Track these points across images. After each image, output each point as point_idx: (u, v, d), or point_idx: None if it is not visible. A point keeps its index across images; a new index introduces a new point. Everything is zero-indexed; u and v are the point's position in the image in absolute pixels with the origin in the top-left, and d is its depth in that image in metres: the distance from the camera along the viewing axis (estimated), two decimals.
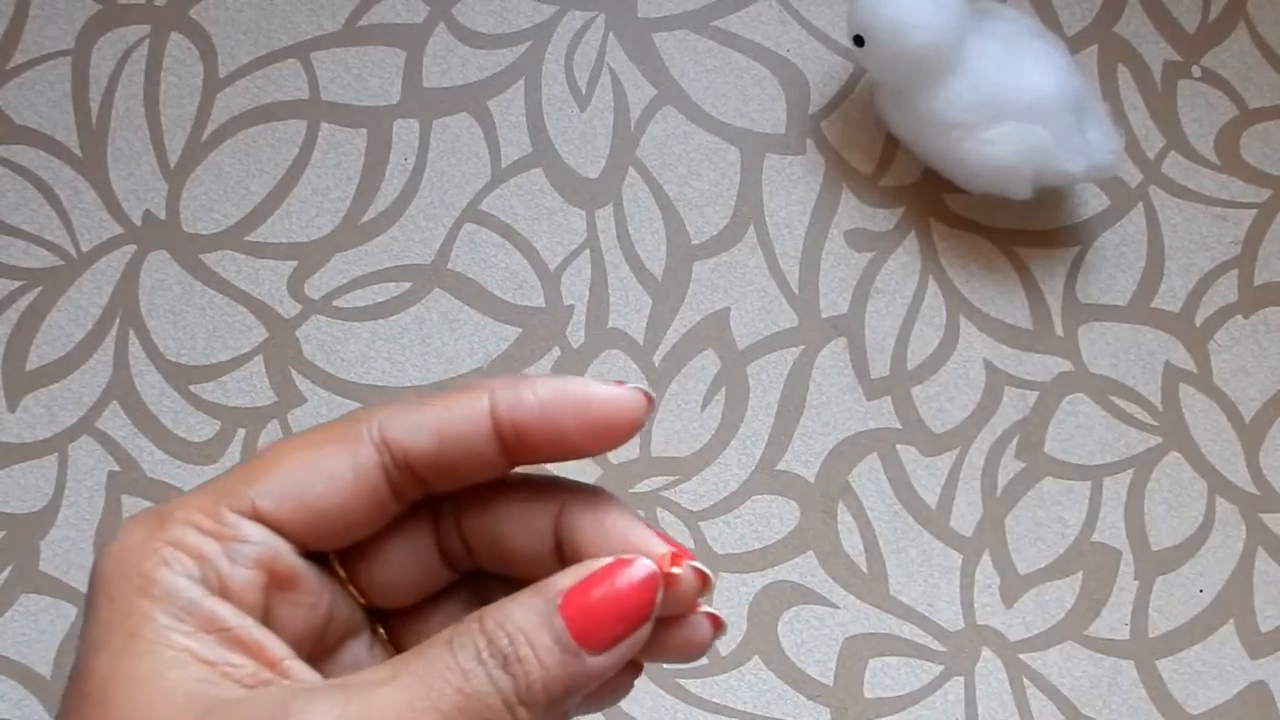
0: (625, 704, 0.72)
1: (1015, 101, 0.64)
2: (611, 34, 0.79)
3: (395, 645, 0.36)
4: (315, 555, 0.34)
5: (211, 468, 0.76)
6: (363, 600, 0.35)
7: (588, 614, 0.30)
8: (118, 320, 0.78)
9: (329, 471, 0.32)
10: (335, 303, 0.77)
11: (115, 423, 0.77)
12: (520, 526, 0.34)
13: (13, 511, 0.77)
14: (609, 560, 0.31)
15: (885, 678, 0.74)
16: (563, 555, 0.33)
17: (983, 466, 0.77)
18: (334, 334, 0.77)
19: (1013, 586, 0.76)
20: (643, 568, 0.30)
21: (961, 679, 0.74)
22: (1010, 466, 0.77)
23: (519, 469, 0.34)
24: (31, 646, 0.81)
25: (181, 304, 0.78)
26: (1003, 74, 0.64)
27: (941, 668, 0.74)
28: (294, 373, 0.77)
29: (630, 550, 0.32)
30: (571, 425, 0.32)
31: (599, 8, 0.79)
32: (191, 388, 0.77)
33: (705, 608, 0.33)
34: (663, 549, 0.31)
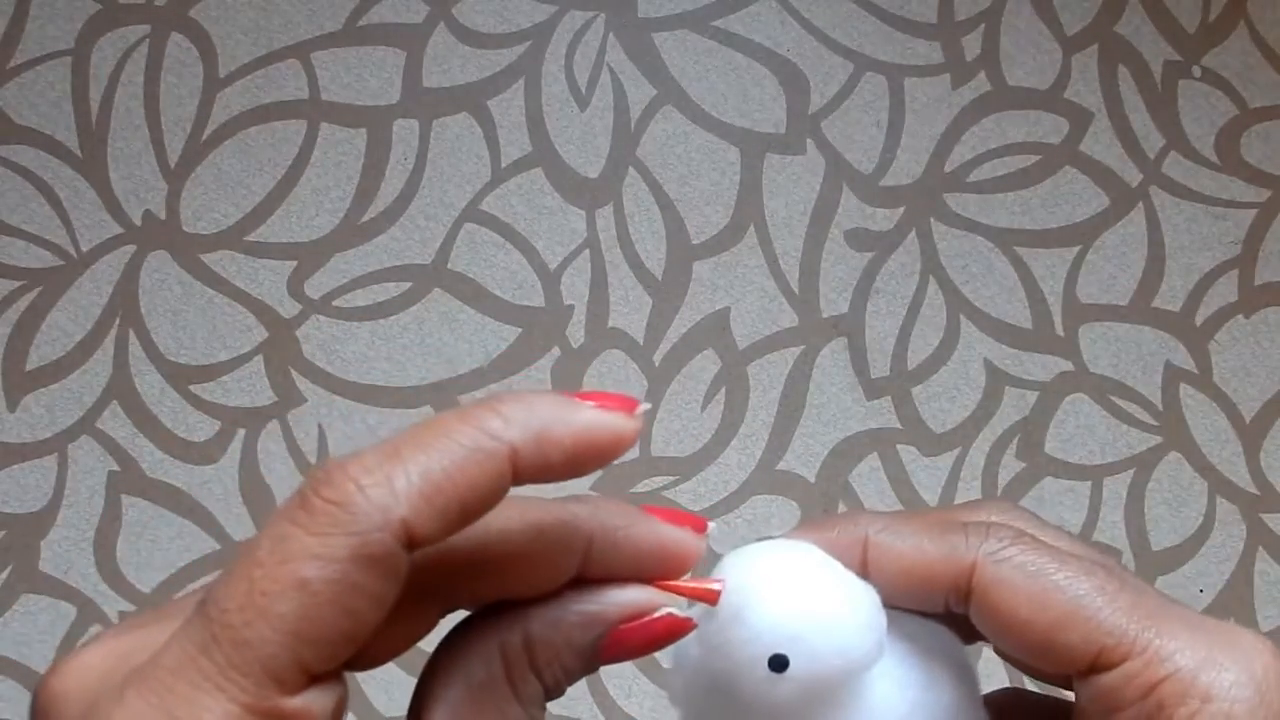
0: (625, 704, 0.72)
1: None
2: (611, 34, 0.79)
3: None
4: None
5: (211, 468, 0.76)
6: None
7: (618, 647, 0.31)
8: (118, 320, 0.78)
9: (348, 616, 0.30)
10: (335, 303, 0.77)
11: (115, 423, 0.77)
12: (541, 566, 0.33)
13: (13, 511, 0.77)
14: (656, 609, 0.31)
15: None
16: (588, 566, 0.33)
17: (983, 466, 0.77)
18: (334, 334, 0.77)
19: None
20: (685, 624, 0.31)
21: None
22: (1010, 466, 0.77)
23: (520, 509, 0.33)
24: (31, 646, 0.81)
25: (181, 304, 0.78)
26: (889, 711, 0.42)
27: None
28: (294, 373, 0.77)
29: (668, 566, 0.32)
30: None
31: (599, 8, 0.79)
32: (191, 388, 0.77)
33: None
34: (705, 583, 0.32)
